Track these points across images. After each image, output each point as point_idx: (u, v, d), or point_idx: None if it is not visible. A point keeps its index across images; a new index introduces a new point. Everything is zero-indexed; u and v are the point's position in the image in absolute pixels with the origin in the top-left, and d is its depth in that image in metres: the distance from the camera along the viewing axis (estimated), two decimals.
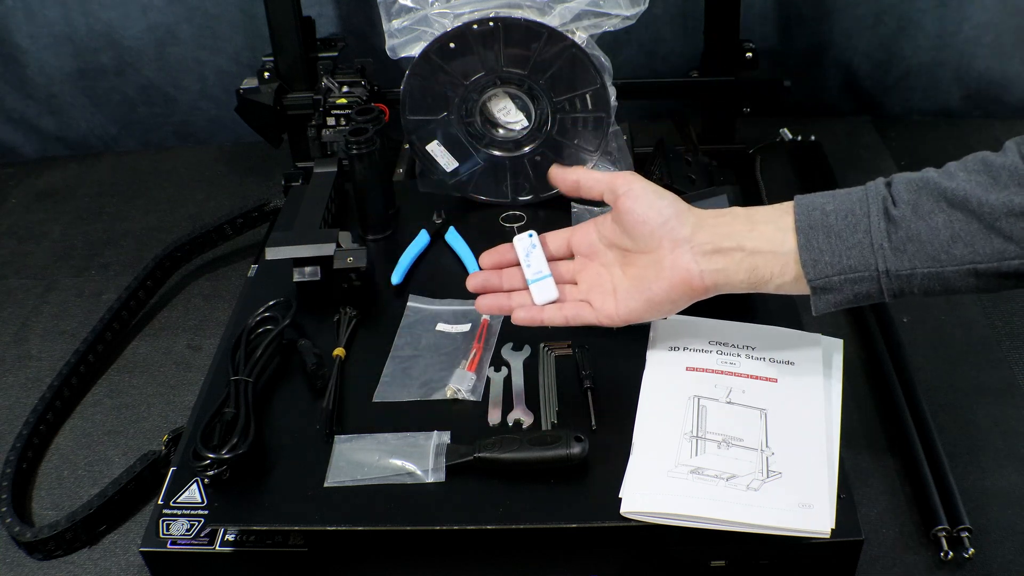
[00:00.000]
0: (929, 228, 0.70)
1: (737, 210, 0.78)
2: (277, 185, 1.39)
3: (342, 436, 0.84)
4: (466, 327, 0.96)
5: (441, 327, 0.96)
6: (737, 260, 0.75)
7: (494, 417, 0.86)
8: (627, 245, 0.80)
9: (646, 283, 0.79)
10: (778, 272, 0.74)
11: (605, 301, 0.81)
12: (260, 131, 1.33)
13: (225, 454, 0.79)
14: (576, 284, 0.85)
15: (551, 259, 0.85)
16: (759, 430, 0.81)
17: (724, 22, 1.29)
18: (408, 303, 1.00)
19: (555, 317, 0.83)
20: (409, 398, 0.88)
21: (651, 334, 0.92)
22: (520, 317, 0.83)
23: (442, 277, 1.05)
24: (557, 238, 0.86)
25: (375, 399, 0.88)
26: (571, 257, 0.86)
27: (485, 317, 0.96)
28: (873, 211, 0.71)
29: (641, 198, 0.78)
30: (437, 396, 0.88)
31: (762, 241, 0.75)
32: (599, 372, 0.88)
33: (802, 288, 0.74)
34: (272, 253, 1.00)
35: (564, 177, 0.84)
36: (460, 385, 0.88)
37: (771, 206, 0.77)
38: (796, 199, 0.75)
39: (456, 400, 0.88)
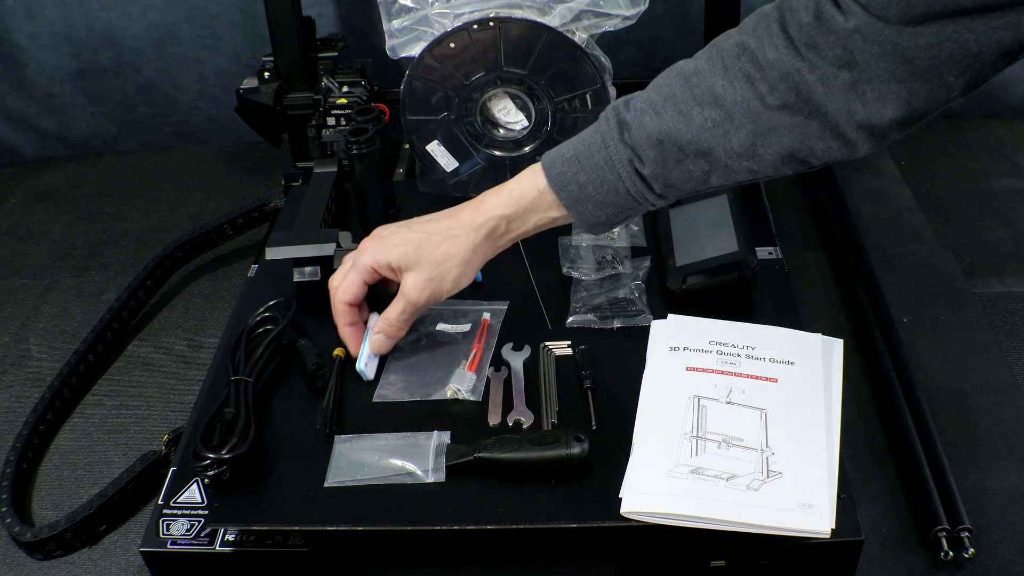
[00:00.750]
0: (682, 173, 0.76)
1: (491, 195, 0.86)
2: (277, 185, 1.39)
3: (342, 436, 0.84)
4: (466, 327, 0.96)
5: (441, 327, 0.96)
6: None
7: (494, 417, 0.86)
8: None
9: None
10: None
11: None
12: (260, 131, 1.33)
13: (225, 454, 0.79)
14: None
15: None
16: (759, 430, 0.81)
17: (724, 22, 1.29)
18: None
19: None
20: (410, 398, 0.88)
21: (651, 334, 0.92)
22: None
23: None
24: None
25: (375, 399, 0.88)
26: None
27: (485, 316, 0.96)
28: (625, 176, 0.77)
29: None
30: (437, 396, 0.88)
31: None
32: (599, 372, 0.88)
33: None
34: (272, 253, 1.00)
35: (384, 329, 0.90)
36: (460, 385, 0.88)
37: (522, 177, 0.83)
38: (546, 176, 0.81)
39: (456, 400, 0.88)
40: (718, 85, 0.72)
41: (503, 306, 0.98)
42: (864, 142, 0.71)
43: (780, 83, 0.70)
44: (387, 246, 0.87)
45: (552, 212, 0.82)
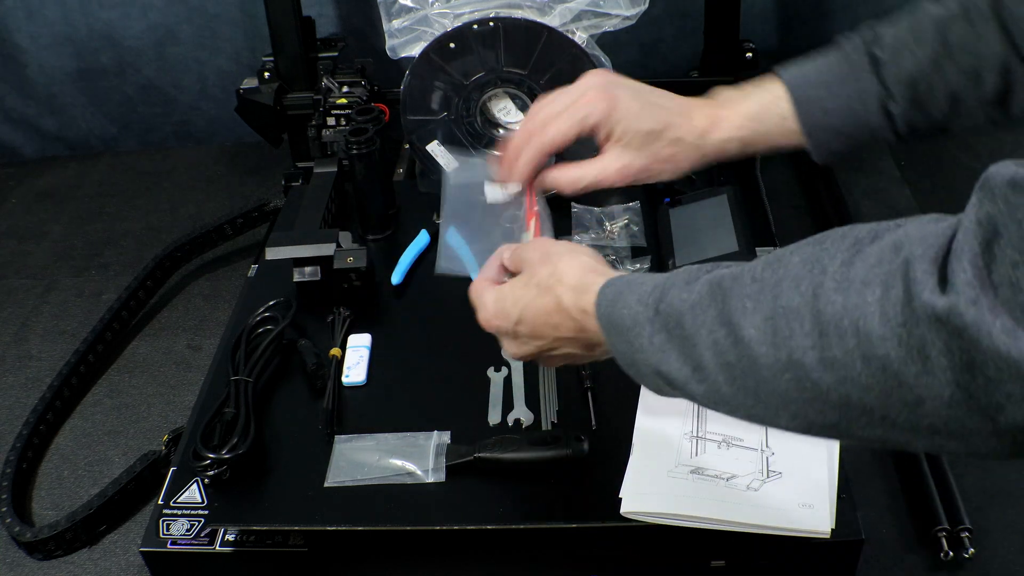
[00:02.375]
0: (934, 110, 0.72)
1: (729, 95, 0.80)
2: (277, 185, 1.39)
3: (342, 436, 0.84)
4: (517, 186, 0.84)
5: (490, 190, 0.85)
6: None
7: (494, 417, 0.85)
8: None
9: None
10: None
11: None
12: (260, 131, 1.33)
13: (225, 454, 0.79)
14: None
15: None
16: (759, 430, 0.81)
17: (724, 22, 1.29)
18: (449, 182, 0.89)
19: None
20: (475, 270, 0.81)
21: None
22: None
23: (442, 277, 1.04)
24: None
25: (438, 271, 0.83)
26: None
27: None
28: (873, 112, 0.73)
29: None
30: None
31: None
32: (599, 372, 0.88)
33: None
34: (272, 253, 1.00)
35: (569, 180, 0.80)
36: None
37: (763, 95, 0.77)
38: (792, 97, 0.75)
39: (455, 392, 0.87)
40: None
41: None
42: None
43: None
44: (616, 105, 0.77)
45: (785, 139, 0.77)
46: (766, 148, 0.78)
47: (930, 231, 0.47)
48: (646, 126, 0.77)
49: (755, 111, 0.77)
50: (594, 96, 0.78)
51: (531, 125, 0.79)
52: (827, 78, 0.75)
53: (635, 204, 1.12)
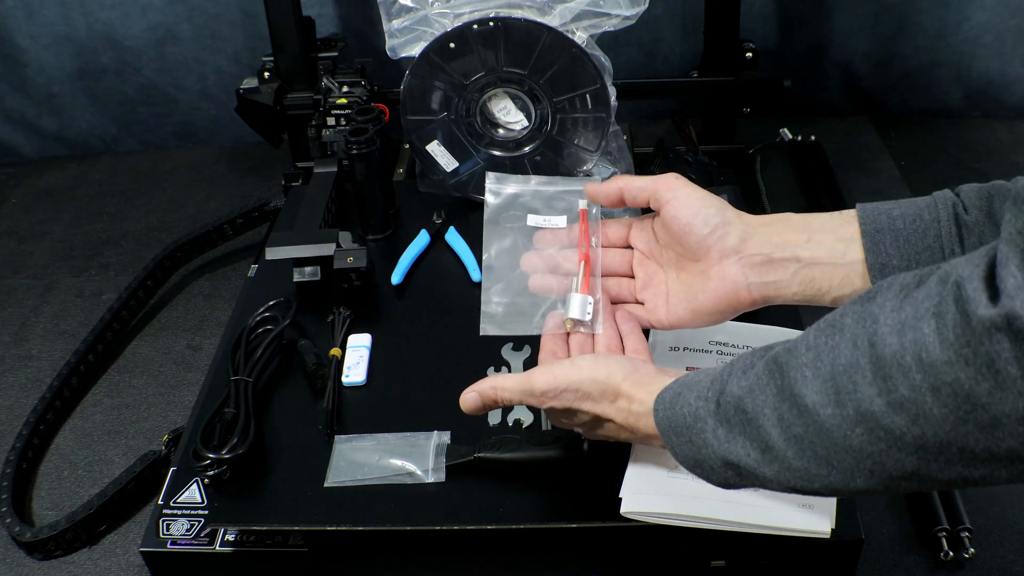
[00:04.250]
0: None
1: (792, 217, 0.72)
2: (277, 185, 1.39)
3: (342, 436, 0.84)
4: (562, 219, 0.82)
5: (533, 220, 0.82)
6: (791, 272, 0.70)
7: (494, 417, 0.85)
8: (678, 250, 0.76)
9: (694, 291, 0.74)
10: (837, 284, 0.69)
11: (657, 304, 0.77)
12: (260, 131, 1.33)
13: (225, 454, 0.79)
14: (632, 277, 0.80)
15: (608, 246, 0.80)
16: None
17: (724, 22, 1.29)
18: (488, 188, 0.85)
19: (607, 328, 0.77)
20: (524, 332, 0.80)
21: (651, 334, 0.92)
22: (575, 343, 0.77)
23: (442, 277, 1.05)
24: (616, 227, 0.81)
25: (482, 333, 0.80)
26: (628, 247, 0.81)
27: (582, 206, 0.82)
28: (943, 216, 0.66)
29: (685, 206, 0.73)
30: (554, 329, 0.78)
31: (820, 251, 0.69)
32: None
33: None
34: (272, 253, 1.00)
35: (606, 191, 0.77)
36: (579, 315, 0.76)
37: (830, 213, 0.71)
38: (859, 207, 0.69)
39: (453, 393, 0.87)
40: None
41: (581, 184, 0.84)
42: None
43: None
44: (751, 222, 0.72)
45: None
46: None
47: (971, 257, 0.47)
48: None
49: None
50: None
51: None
52: (904, 209, 0.68)
53: None
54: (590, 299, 0.77)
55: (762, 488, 0.60)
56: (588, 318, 0.77)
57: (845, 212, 0.70)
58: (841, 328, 0.52)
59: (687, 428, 0.61)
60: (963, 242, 0.65)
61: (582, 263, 0.78)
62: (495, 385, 0.72)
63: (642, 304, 0.80)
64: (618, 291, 0.80)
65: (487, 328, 0.80)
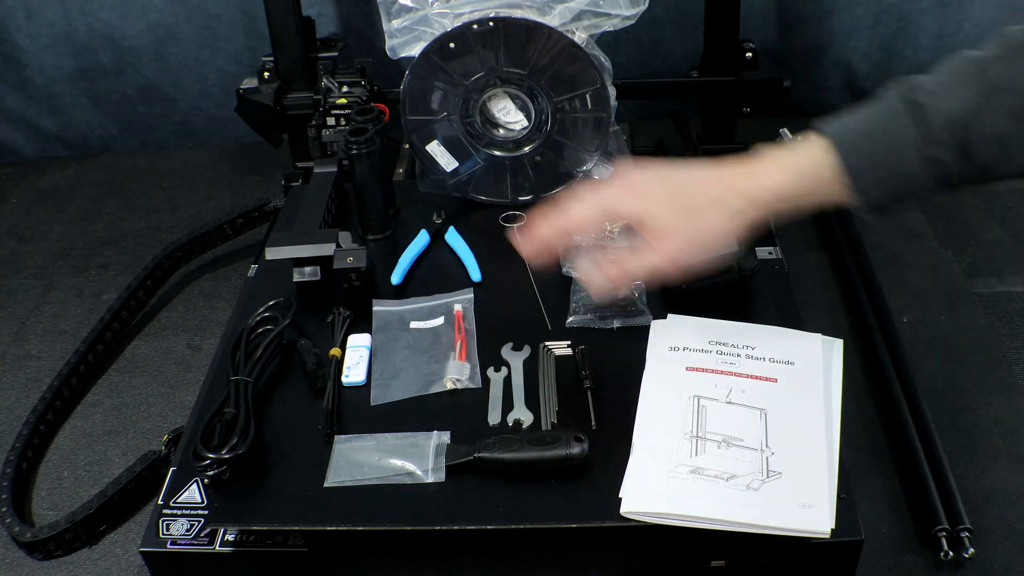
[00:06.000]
0: (984, 158, 0.70)
1: (768, 168, 0.76)
2: (277, 185, 1.39)
3: (342, 436, 0.84)
4: (439, 320, 0.96)
5: (415, 324, 0.97)
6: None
7: (494, 417, 0.85)
8: None
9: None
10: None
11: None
12: (260, 131, 1.33)
13: (225, 454, 0.79)
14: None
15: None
16: (759, 430, 0.81)
17: (724, 22, 1.29)
18: (373, 308, 0.99)
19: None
20: (408, 395, 0.88)
21: (651, 334, 0.92)
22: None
23: (442, 277, 1.05)
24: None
25: (373, 403, 0.88)
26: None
27: (458, 308, 0.97)
28: (918, 157, 0.71)
29: (658, 233, 0.76)
30: (436, 389, 0.88)
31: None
32: (599, 372, 0.88)
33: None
34: (272, 253, 1.00)
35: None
36: (458, 375, 0.88)
37: (804, 149, 0.75)
38: (836, 145, 0.73)
39: (454, 392, 0.88)
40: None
41: (469, 294, 1.00)
42: None
43: None
44: (645, 199, 0.77)
45: (829, 194, 0.74)
46: (814, 205, 0.75)
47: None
48: (681, 203, 0.76)
49: (802, 165, 0.74)
50: (618, 186, 0.78)
51: (554, 210, 0.80)
52: (869, 128, 0.73)
53: None
54: (467, 364, 0.90)
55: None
56: (469, 381, 0.88)
57: (826, 150, 0.73)
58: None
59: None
60: (942, 177, 0.71)
61: (459, 341, 0.92)
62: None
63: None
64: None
65: (378, 396, 0.89)
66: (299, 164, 1.36)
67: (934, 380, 1.02)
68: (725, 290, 0.96)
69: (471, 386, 0.88)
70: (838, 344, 0.89)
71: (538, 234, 0.80)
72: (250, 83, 1.31)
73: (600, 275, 0.80)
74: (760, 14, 1.48)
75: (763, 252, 1.03)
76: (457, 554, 0.80)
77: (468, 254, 1.06)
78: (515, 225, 0.87)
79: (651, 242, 0.77)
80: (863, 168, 0.73)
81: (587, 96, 1.07)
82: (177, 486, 0.82)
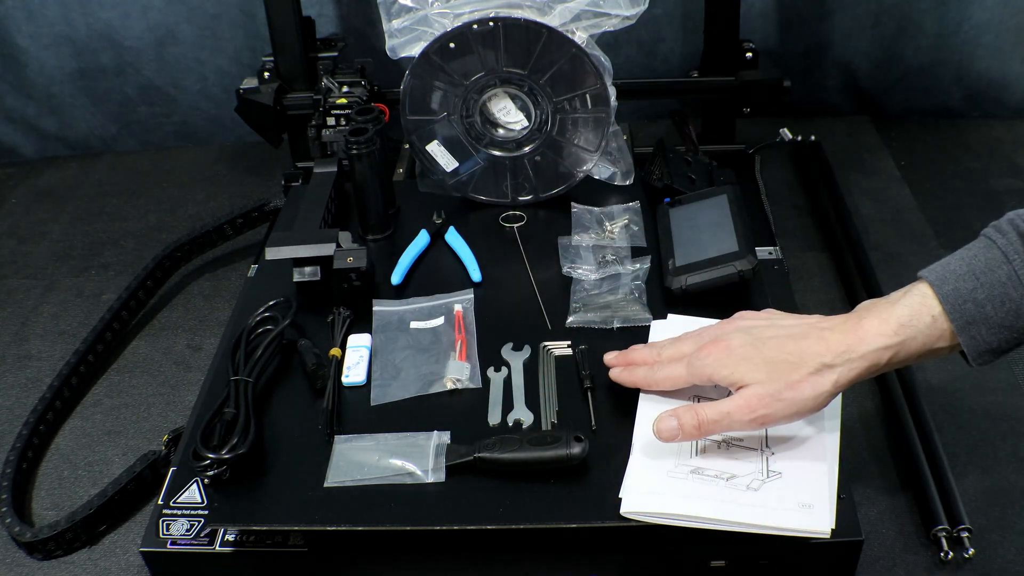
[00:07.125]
0: None
1: (870, 323, 0.74)
2: (277, 185, 1.39)
3: (342, 436, 0.84)
4: (439, 320, 0.96)
5: (415, 324, 0.97)
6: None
7: (494, 417, 0.86)
8: None
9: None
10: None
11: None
12: (260, 131, 1.33)
13: (225, 454, 0.79)
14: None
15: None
16: (758, 430, 0.81)
17: (724, 22, 1.29)
18: (373, 308, 0.99)
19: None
20: (408, 395, 0.88)
21: (651, 334, 0.92)
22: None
23: (442, 277, 1.05)
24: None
25: (373, 403, 0.88)
26: None
27: (458, 308, 0.97)
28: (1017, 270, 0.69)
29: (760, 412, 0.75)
30: (436, 389, 0.88)
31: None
32: (599, 372, 0.88)
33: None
34: (272, 253, 1.00)
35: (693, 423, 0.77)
36: (458, 375, 0.88)
37: (908, 304, 0.73)
38: (936, 291, 0.72)
39: (455, 392, 0.88)
40: None
41: (469, 294, 1.00)
42: None
43: None
44: (739, 365, 0.76)
45: (938, 343, 0.72)
46: (918, 356, 0.74)
47: None
48: (779, 368, 0.75)
49: (905, 316, 0.72)
50: (711, 351, 0.78)
51: (654, 355, 0.83)
52: (974, 267, 0.71)
53: (635, 204, 1.12)
54: (467, 364, 0.90)
55: None
56: (469, 381, 0.88)
57: (927, 297, 0.72)
58: None
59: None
60: None
61: (459, 342, 0.92)
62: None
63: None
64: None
65: (378, 396, 0.89)
66: (299, 164, 1.36)
67: (934, 380, 1.02)
68: (725, 290, 0.96)
69: (471, 386, 0.88)
70: None
71: (629, 381, 0.84)
72: (250, 83, 1.31)
73: (670, 418, 0.77)
74: (760, 14, 1.48)
75: (763, 252, 1.03)
76: (457, 554, 0.80)
77: (468, 254, 1.06)
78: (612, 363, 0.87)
79: (741, 392, 0.76)
80: (969, 310, 0.70)
81: (587, 96, 1.07)
82: (177, 486, 0.82)
